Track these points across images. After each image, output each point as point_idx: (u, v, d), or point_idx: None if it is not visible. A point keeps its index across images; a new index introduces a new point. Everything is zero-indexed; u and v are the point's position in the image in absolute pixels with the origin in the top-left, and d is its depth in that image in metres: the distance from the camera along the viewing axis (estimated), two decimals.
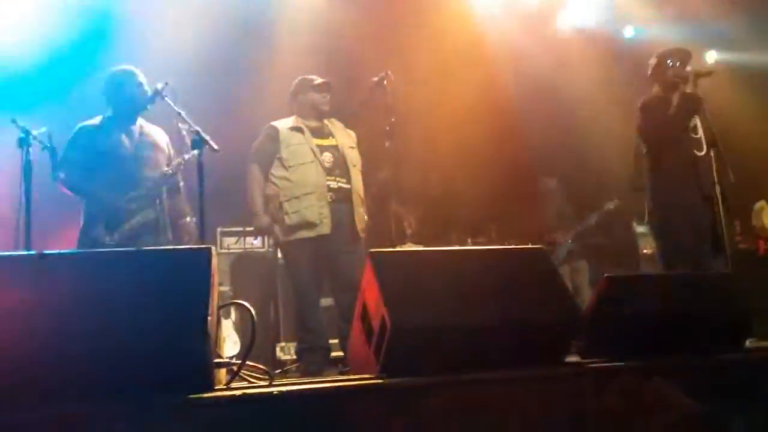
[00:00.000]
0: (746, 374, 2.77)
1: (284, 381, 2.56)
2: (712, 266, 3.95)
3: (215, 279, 2.26)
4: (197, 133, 3.56)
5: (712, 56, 7.26)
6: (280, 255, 4.78)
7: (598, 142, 7.00)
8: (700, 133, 4.11)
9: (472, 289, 2.56)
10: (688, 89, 4.10)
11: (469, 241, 6.58)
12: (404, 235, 5.96)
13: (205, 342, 2.04)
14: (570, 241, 6.51)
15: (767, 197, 6.69)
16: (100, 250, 3.43)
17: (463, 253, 2.72)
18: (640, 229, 6.53)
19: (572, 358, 2.77)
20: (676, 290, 2.86)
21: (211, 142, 3.56)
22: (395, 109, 4.18)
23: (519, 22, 7.11)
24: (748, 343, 3.07)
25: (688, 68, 4.22)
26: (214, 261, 2.24)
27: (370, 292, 2.58)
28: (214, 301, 2.21)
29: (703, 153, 4.05)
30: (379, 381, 2.33)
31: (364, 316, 2.64)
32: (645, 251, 6.57)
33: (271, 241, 5.07)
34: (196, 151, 3.55)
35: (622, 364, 2.53)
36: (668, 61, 4.33)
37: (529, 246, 2.84)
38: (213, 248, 2.28)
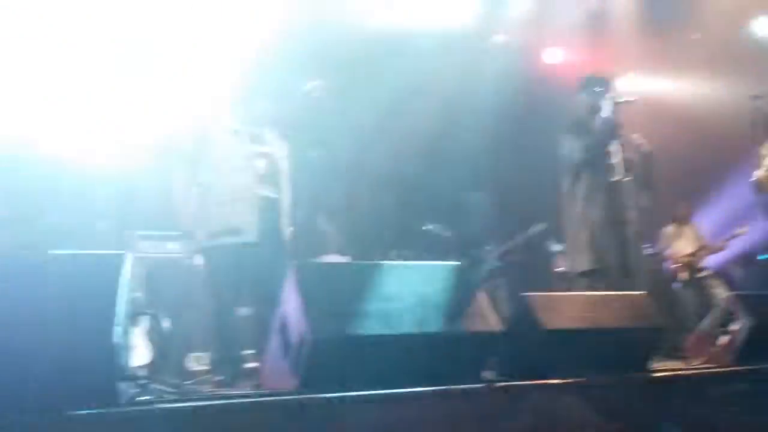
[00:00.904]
0: (654, 392, 2.87)
1: (195, 395, 2.48)
2: (623, 287, 4.08)
3: (127, 286, 2.17)
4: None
5: (631, 82, 7.56)
6: (198, 261, 4.64)
7: (529, 160, 7.08)
8: (618, 157, 4.25)
9: (393, 303, 2.55)
10: (609, 114, 4.23)
11: (394, 254, 6.57)
12: (329, 247, 5.90)
13: (111, 354, 1.94)
14: (495, 259, 6.61)
15: (678, 222, 6.99)
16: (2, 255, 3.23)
17: (385, 268, 2.71)
18: (556, 247, 6.69)
19: (489, 375, 2.80)
20: (589, 310, 2.94)
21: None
22: (328, 119, 4.14)
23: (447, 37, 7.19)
24: (653, 362, 3.19)
25: (611, 94, 4.36)
26: (127, 267, 2.14)
27: (291, 304, 2.54)
28: (125, 310, 2.12)
29: (619, 178, 4.19)
30: (295, 396, 2.28)
31: (283, 328, 2.59)
32: (558, 270, 6.73)
33: (192, 246, 4.92)
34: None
35: (536, 382, 2.57)
36: (592, 87, 4.46)
37: (451, 262, 2.86)
38: (126, 254, 2.18)
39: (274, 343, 2.68)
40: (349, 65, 6.44)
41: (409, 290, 2.64)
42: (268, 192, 4.15)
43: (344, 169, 6.96)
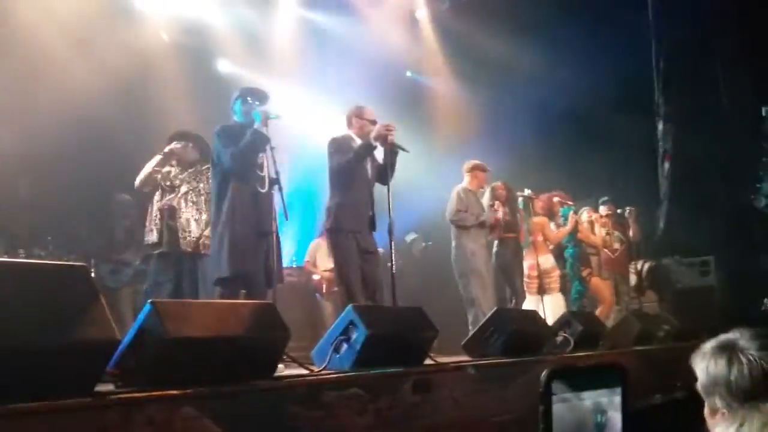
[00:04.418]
0: (275, 399, 2.95)
1: None
2: (263, 296, 4.18)
3: None
4: None
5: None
6: None
7: None
8: (266, 170, 4.35)
9: None
10: (260, 127, 4.33)
11: (22, 252, 5.87)
12: None
13: None
14: (139, 261, 6.29)
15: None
16: None
17: None
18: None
19: (107, 387, 2.60)
20: (217, 317, 2.91)
21: None
22: None
23: (104, 23, 6.85)
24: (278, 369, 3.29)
25: (264, 107, 4.48)
26: None
27: None
28: None
29: (265, 190, 4.29)
30: None
31: None
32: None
33: None
34: None
35: (151, 393, 2.45)
36: (248, 98, 4.55)
37: (69, 263, 2.60)
38: None
39: None
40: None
41: (14, 293, 2.31)
42: None
43: None
